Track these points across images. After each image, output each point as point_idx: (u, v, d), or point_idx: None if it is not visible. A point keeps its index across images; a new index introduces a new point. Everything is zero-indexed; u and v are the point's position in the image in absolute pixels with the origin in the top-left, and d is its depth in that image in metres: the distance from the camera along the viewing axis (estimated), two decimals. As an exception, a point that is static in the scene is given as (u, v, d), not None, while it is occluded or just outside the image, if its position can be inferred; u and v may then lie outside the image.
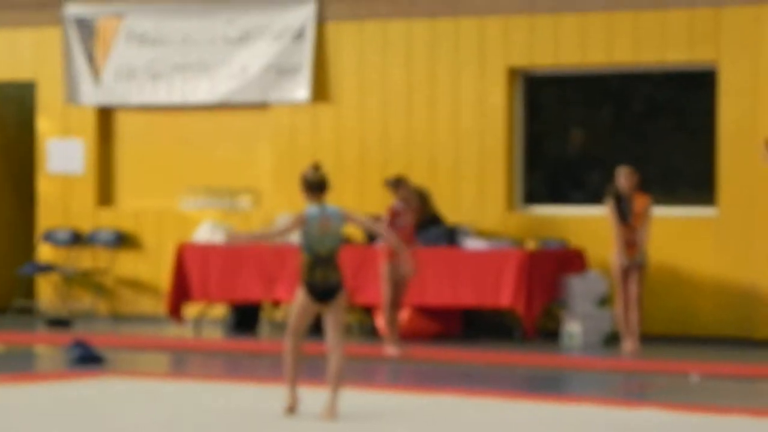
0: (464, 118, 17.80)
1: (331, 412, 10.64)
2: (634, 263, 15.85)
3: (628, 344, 15.80)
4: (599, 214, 16.46)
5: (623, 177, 15.92)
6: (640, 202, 15.95)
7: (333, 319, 10.64)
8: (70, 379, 13.33)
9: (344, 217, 10.84)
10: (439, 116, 17.92)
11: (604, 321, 16.55)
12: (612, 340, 16.38)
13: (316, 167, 11.06)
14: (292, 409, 10.78)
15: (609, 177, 16.40)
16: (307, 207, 10.79)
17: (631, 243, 15.84)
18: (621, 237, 15.93)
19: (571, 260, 16.98)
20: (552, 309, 16.97)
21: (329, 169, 17.94)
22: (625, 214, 15.92)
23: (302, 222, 10.69)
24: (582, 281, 16.70)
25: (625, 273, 15.93)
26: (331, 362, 10.68)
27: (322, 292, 10.59)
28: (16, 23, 19.87)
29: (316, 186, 10.82)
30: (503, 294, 16.50)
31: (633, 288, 15.92)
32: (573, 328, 16.57)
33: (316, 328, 11.38)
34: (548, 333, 16.80)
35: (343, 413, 10.97)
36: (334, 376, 10.70)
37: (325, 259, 10.63)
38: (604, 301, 16.59)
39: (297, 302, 10.73)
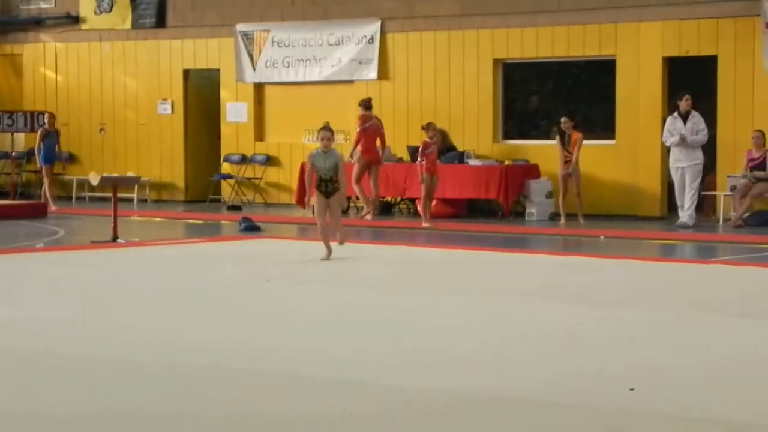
0: (468, 88, 17.82)
1: (340, 239, 10.98)
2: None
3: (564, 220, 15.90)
4: (545, 144, 16.57)
5: (563, 122, 15.90)
6: (575, 136, 15.94)
7: (331, 207, 10.81)
8: (241, 240, 13.30)
9: (337, 162, 10.70)
10: (453, 87, 17.90)
11: (549, 207, 16.55)
12: (553, 217, 16.32)
13: (327, 127, 10.97)
14: (328, 257, 10.72)
15: (553, 122, 16.49)
16: (314, 152, 10.78)
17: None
18: (561, 157, 15.93)
19: (531, 171, 16.94)
20: (519, 199, 16.96)
21: (389, 120, 18.45)
22: (563, 144, 15.96)
23: (310, 159, 10.74)
24: (537, 183, 16.73)
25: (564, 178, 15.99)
26: (334, 230, 10.95)
27: (325, 194, 10.74)
28: (209, 36, 19.95)
29: (325, 138, 10.73)
30: (491, 190, 16.51)
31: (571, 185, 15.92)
32: (531, 210, 16.61)
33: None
34: (518, 213, 16.79)
35: (394, 259, 10.99)
36: (336, 233, 10.98)
37: (326, 180, 10.67)
38: (549, 195, 16.57)
39: (316, 200, 10.83)
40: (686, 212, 15.23)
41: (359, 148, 16.49)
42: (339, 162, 10.76)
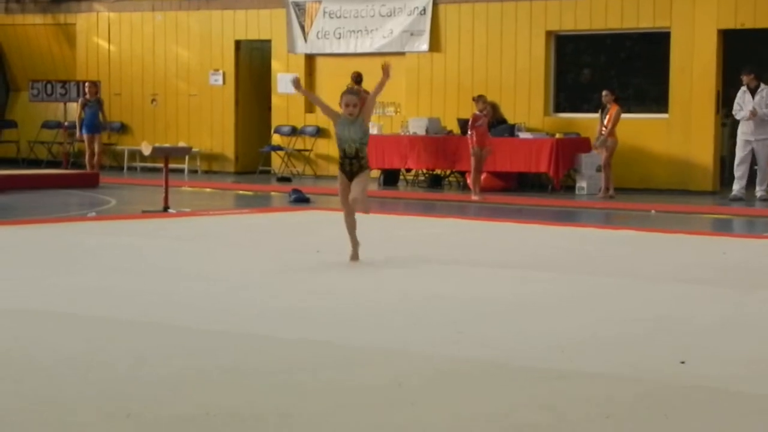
0: (520, 60, 17.82)
1: (364, 209, 8.63)
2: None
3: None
4: (597, 118, 16.44)
5: (604, 96, 15.76)
6: (612, 109, 15.76)
7: (353, 188, 8.49)
8: (291, 212, 13.42)
9: (366, 133, 8.49)
10: (505, 59, 17.92)
11: (599, 181, 16.41)
12: (605, 191, 16.21)
13: (351, 88, 8.81)
14: (355, 257, 8.55)
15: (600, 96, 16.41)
16: (342, 116, 8.49)
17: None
18: (599, 130, 15.83)
19: (581, 145, 16.92)
20: (570, 173, 16.99)
21: (439, 92, 18.41)
22: (602, 117, 15.82)
23: (335, 117, 8.52)
24: (587, 157, 16.70)
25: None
26: (350, 218, 8.64)
27: (349, 174, 8.49)
28: (261, 7, 20.06)
29: (350, 104, 8.48)
30: (541, 164, 16.53)
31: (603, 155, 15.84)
32: (582, 184, 16.64)
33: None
34: (568, 187, 16.83)
35: (445, 230, 11.02)
36: (352, 228, 8.63)
37: (350, 156, 8.45)
38: (599, 169, 16.44)
39: (339, 181, 8.62)
40: (761, 188, 15.34)
41: None
42: (368, 133, 8.60)
